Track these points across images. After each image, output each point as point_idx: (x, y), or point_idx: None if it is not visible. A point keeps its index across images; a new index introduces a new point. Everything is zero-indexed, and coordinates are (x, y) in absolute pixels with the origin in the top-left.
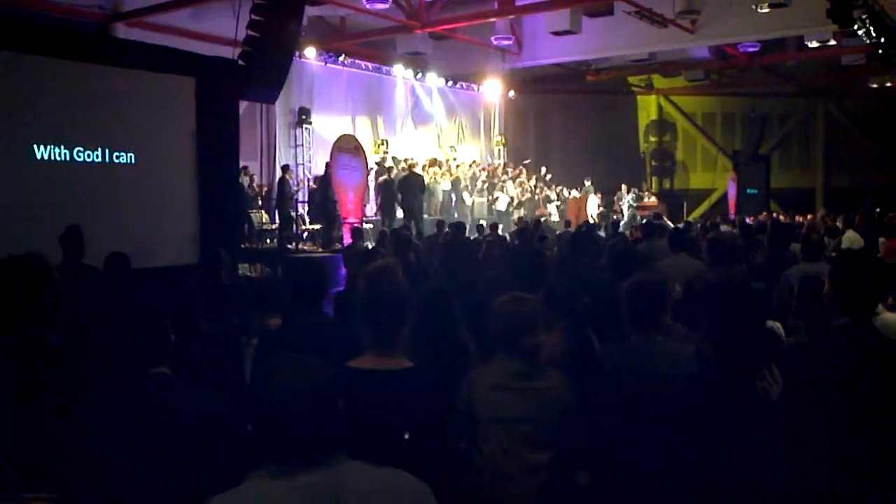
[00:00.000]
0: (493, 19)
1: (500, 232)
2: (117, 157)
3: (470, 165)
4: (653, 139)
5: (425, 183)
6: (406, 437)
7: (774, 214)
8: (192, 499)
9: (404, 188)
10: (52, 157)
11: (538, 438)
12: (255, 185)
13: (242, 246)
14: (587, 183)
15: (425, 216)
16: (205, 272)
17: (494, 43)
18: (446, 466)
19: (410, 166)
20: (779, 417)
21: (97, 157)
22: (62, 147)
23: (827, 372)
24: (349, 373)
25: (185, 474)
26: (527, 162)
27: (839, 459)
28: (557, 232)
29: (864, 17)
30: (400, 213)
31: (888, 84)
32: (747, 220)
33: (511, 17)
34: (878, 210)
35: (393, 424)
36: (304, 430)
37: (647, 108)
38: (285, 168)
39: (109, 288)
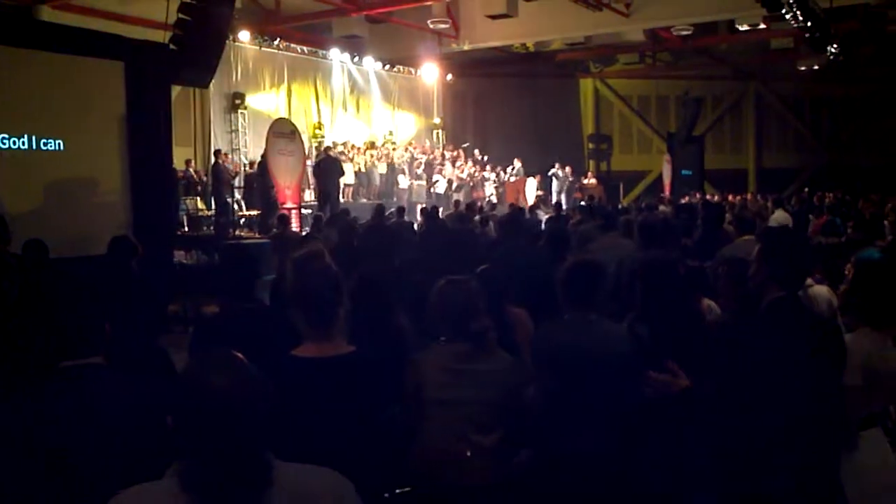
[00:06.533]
0: (429, 2)
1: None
2: (44, 145)
3: (406, 148)
4: (590, 122)
5: (342, 166)
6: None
7: (710, 196)
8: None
9: (321, 171)
10: None
11: (483, 420)
12: (192, 170)
13: (178, 233)
14: (517, 164)
15: (363, 200)
16: (113, 262)
17: (431, 26)
18: (397, 449)
19: (326, 149)
20: (708, 395)
21: (23, 144)
22: None
23: (759, 347)
24: (293, 362)
25: (116, 465)
26: (465, 145)
27: (771, 431)
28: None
29: (791, 1)
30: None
31: (816, 67)
32: (681, 201)
33: (447, 0)
34: (806, 190)
35: (340, 410)
36: (228, 437)
37: (584, 91)
38: (218, 153)
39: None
